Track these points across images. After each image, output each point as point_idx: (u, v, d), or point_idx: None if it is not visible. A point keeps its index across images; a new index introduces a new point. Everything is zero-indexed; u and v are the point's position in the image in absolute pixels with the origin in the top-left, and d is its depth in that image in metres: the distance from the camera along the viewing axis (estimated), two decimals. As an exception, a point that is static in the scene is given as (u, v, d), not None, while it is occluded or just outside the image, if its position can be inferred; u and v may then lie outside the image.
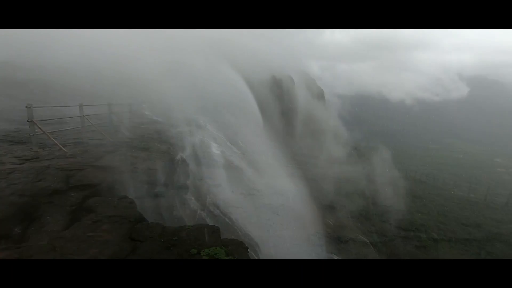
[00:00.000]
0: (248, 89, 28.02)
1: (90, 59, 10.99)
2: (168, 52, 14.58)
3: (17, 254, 3.56)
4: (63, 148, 6.96)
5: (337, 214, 28.84)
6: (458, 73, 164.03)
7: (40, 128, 6.39)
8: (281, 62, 38.04)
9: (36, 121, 6.26)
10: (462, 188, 49.78)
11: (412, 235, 28.43)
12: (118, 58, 11.43)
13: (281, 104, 37.05)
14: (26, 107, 5.92)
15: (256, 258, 9.48)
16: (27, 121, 6.13)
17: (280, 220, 17.82)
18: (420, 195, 40.34)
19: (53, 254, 3.68)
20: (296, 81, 40.43)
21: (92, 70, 10.75)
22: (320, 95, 54.57)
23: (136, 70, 12.22)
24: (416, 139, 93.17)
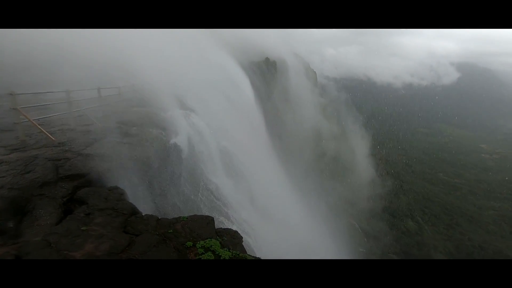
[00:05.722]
0: (241, 70, 27.47)
1: (75, 40, 10.39)
2: (158, 33, 13.92)
3: (15, 251, 3.50)
4: (50, 136, 6.71)
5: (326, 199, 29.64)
6: (447, 59, 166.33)
7: (26, 116, 6.10)
8: (274, 44, 37.28)
9: (20, 108, 5.97)
10: (447, 172, 51.47)
11: (398, 219, 29.57)
12: (104, 38, 10.83)
13: (275, 85, 36.67)
14: (9, 94, 5.60)
15: (250, 246, 9.66)
16: (11, 108, 5.84)
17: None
18: (407, 180, 41.58)
19: (49, 251, 3.62)
20: (289, 63, 39.85)
21: (79, 53, 10.20)
22: (313, 78, 54.21)
23: (125, 51, 11.67)
24: (405, 123, 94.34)
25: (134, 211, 5.64)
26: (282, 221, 17.87)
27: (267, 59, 34.10)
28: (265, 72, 34.63)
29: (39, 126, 6.39)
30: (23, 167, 5.18)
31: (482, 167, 54.50)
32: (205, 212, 11.30)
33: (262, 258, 5.60)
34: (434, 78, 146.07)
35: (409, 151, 62.17)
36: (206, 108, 17.28)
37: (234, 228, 11.43)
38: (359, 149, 46.06)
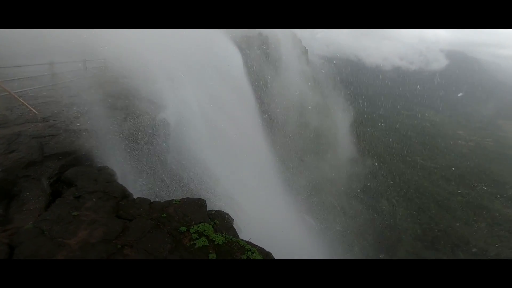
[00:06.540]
0: (233, 45, 26.47)
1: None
2: None
3: (6, 239, 3.41)
4: (32, 109, 6.31)
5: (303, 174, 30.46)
6: (438, 46, 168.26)
7: (5, 89, 5.64)
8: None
9: (0, 81, 5.49)
10: (424, 156, 53.83)
11: (375, 200, 31.07)
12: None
13: (266, 60, 35.85)
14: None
15: (238, 225, 9.89)
16: (-11, 80, 5.37)
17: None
18: (387, 160, 43.32)
19: (43, 239, 3.56)
20: (282, 39, 38.81)
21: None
22: (304, 54, 53.17)
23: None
24: (389, 104, 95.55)
25: (125, 194, 5.55)
26: (264, 196, 18.31)
27: (259, 33, 32.95)
28: (258, 47, 33.74)
29: (20, 99, 5.96)
30: (6, 146, 4.89)
31: (457, 153, 57.40)
32: (192, 187, 11.29)
33: (250, 237, 5.75)
34: (423, 64, 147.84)
35: (391, 132, 63.68)
36: (195, 82, 16.70)
37: (220, 203, 11.66)
38: (342, 126, 46.82)
